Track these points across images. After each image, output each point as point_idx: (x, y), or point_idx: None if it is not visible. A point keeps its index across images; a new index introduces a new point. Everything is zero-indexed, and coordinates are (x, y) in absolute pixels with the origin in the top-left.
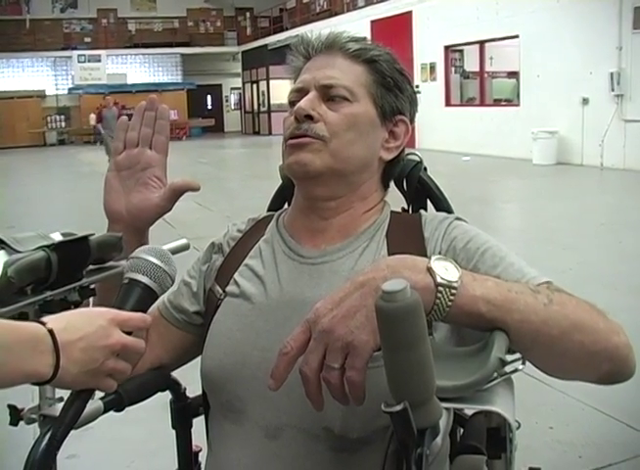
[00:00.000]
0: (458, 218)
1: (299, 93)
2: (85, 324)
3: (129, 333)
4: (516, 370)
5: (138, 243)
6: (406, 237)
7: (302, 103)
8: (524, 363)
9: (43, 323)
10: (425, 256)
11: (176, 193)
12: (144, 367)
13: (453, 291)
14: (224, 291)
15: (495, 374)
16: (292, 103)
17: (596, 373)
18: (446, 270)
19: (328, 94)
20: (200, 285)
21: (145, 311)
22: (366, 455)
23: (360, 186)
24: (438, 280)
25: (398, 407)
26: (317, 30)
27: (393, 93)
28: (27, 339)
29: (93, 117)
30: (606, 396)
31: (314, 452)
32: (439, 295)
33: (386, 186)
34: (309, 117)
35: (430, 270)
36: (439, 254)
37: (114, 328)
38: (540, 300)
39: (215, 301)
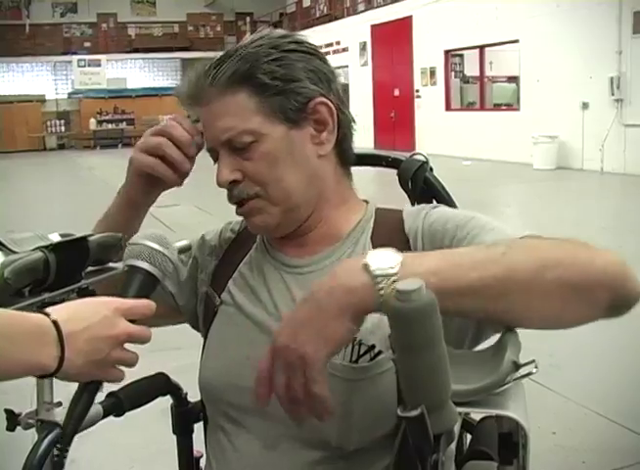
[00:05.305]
0: (435, 207)
1: (212, 152)
2: (90, 314)
3: (134, 321)
4: (529, 374)
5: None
6: (390, 237)
7: (220, 176)
8: (536, 367)
9: (47, 314)
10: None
11: None
12: None
13: (393, 278)
14: (219, 298)
15: (508, 378)
16: (210, 152)
17: (596, 306)
18: (383, 260)
19: (234, 145)
20: (188, 276)
21: (148, 298)
22: (364, 464)
23: (321, 194)
24: (375, 273)
25: (415, 412)
26: (308, 36)
27: (286, 92)
28: (31, 330)
29: (93, 121)
30: (609, 400)
31: (312, 462)
32: (380, 286)
33: (345, 166)
34: (234, 181)
35: (365, 267)
36: (423, 247)
37: (119, 317)
38: (498, 250)
39: (212, 308)
